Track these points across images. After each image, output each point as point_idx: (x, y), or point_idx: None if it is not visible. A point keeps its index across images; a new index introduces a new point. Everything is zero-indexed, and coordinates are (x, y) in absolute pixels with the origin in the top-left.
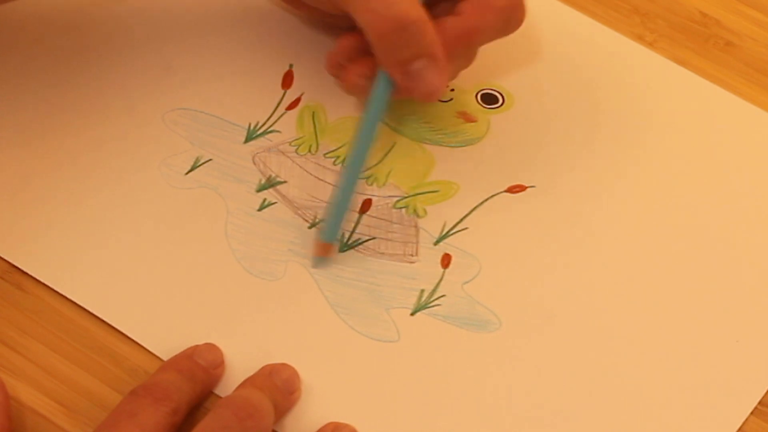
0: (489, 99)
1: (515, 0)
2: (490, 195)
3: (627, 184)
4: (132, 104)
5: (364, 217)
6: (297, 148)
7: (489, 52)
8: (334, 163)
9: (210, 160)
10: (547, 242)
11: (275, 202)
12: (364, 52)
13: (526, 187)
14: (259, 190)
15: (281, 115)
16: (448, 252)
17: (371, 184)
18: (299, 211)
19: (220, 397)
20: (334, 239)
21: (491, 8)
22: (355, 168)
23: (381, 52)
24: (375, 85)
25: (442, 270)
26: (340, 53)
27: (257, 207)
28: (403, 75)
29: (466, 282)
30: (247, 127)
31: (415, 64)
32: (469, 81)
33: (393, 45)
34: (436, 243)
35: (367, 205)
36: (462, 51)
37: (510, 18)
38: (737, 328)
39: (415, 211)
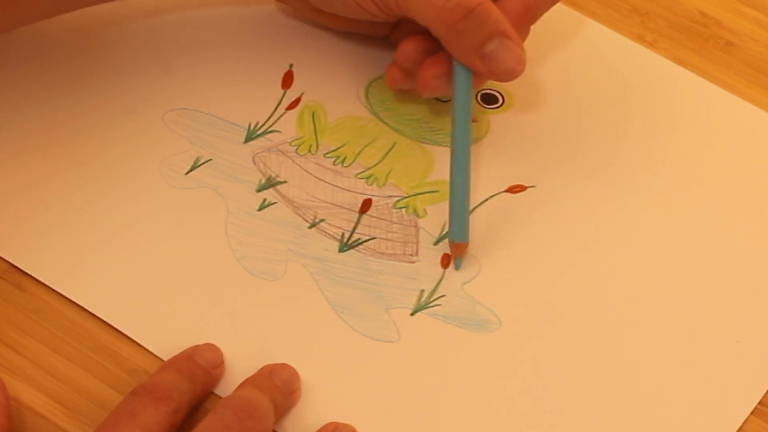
0: (489, 99)
1: None
2: (490, 195)
3: (627, 183)
4: (132, 104)
5: (364, 217)
6: (297, 148)
7: None
8: (334, 163)
9: (210, 160)
10: (547, 242)
11: (275, 202)
12: (427, 52)
13: (526, 187)
14: (259, 190)
15: (281, 115)
16: (448, 252)
17: (371, 184)
18: (299, 211)
19: (220, 397)
20: (466, 238)
21: None
22: (462, 165)
23: (453, 44)
24: (455, 80)
25: (442, 270)
26: (405, 60)
27: (257, 207)
28: (480, 60)
29: (466, 282)
30: (247, 127)
31: (489, 45)
32: None
33: (463, 33)
34: (436, 243)
35: (367, 205)
36: (526, 29)
37: None
38: (737, 328)
39: (415, 211)
